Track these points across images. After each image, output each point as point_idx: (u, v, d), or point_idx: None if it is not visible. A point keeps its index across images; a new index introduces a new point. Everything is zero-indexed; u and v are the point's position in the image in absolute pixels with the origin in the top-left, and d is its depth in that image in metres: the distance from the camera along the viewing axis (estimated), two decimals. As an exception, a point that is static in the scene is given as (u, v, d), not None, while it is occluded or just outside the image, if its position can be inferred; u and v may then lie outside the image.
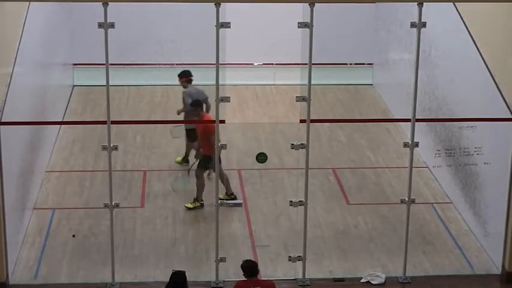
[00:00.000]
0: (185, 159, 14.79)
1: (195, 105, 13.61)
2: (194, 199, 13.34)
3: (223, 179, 13.32)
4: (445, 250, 12.41)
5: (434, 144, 14.35)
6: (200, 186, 13.33)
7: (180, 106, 14.74)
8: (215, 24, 10.51)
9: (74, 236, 12.46)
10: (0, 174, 10.93)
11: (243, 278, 9.82)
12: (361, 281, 11.52)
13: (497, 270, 11.82)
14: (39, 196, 13.74)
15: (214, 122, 11.12)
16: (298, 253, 11.57)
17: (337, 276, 11.63)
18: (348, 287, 11.46)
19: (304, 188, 11.31)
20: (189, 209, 13.28)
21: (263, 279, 10.02)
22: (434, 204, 13.75)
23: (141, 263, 11.87)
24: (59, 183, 14.27)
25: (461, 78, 13.32)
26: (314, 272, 11.68)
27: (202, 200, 13.33)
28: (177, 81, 14.88)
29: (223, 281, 11.36)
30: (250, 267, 9.78)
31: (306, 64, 10.83)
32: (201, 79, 18.09)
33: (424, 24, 10.80)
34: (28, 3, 12.69)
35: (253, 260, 10.06)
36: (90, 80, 18.40)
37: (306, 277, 11.50)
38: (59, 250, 12.18)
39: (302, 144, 11.16)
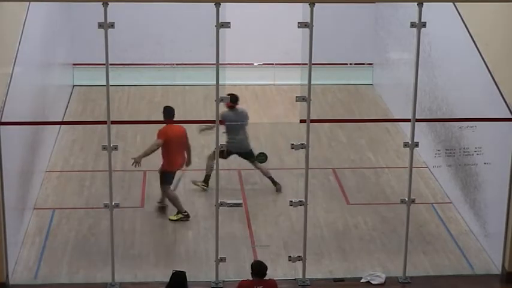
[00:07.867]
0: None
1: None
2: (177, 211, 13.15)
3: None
4: (445, 250, 12.40)
5: (434, 144, 14.35)
6: (173, 200, 13.08)
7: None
8: (215, 24, 10.52)
9: None
10: (0, 174, 10.94)
11: (244, 278, 9.83)
12: (361, 281, 11.52)
13: (497, 270, 11.81)
14: (39, 196, 13.74)
15: (214, 122, 11.12)
16: (298, 253, 11.57)
17: (337, 276, 11.63)
18: (348, 287, 11.46)
19: (304, 188, 11.31)
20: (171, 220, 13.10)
21: (266, 278, 10.02)
22: (434, 204, 13.75)
23: (141, 263, 11.87)
24: (59, 183, 14.27)
25: (461, 78, 13.32)
26: (314, 272, 11.68)
27: (185, 212, 13.09)
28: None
29: (223, 281, 11.36)
30: (257, 268, 9.92)
31: (306, 64, 10.83)
32: (201, 79, 18.15)
33: (424, 24, 10.79)
34: (28, 3, 12.69)
35: (263, 262, 10.13)
36: (90, 80, 18.38)
37: (306, 277, 11.50)
38: (59, 250, 12.18)
39: (302, 144, 11.16)
